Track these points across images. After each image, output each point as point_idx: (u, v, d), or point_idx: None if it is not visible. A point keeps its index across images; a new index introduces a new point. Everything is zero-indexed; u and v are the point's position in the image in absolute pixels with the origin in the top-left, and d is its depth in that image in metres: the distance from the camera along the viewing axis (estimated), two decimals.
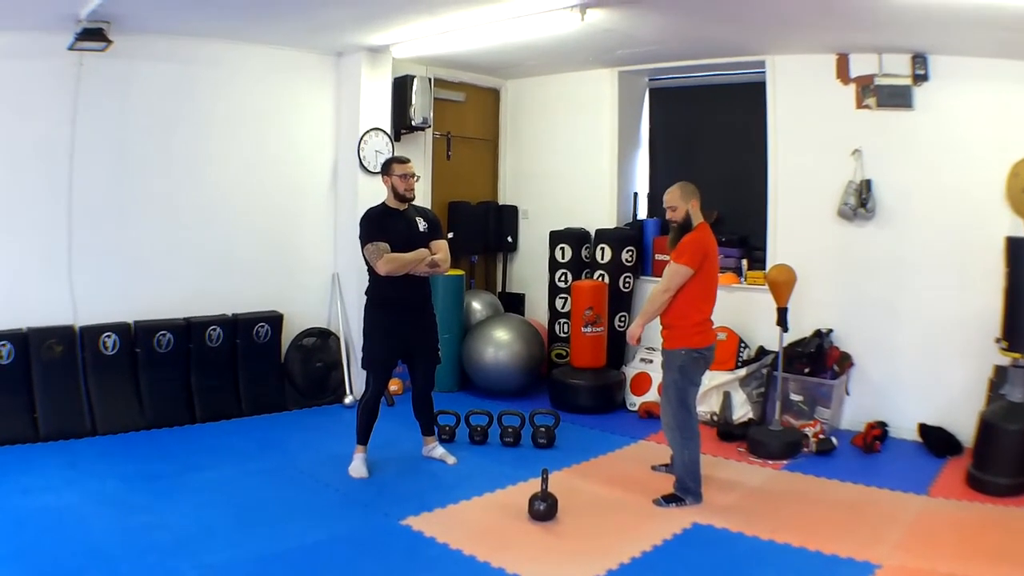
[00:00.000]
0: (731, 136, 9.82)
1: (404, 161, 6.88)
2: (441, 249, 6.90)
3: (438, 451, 7.32)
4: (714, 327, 6.50)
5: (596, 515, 6.15)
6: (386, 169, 6.88)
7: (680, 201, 6.46)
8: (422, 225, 6.91)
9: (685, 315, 6.30)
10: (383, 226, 6.72)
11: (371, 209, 6.91)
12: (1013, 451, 6.58)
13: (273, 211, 9.11)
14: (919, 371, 8.08)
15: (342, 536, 5.63)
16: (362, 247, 6.72)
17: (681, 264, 6.25)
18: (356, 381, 9.08)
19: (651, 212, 10.51)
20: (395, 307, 6.84)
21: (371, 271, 6.77)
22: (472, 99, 11.10)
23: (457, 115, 10.90)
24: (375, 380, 6.94)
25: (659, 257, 9.70)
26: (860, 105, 8.27)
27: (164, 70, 8.27)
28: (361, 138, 9.18)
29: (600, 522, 6.02)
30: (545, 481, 5.96)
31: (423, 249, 6.77)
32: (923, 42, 7.60)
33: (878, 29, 7.31)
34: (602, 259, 9.80)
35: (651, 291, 6.49)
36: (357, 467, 6.88)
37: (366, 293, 6.96)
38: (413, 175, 6.86)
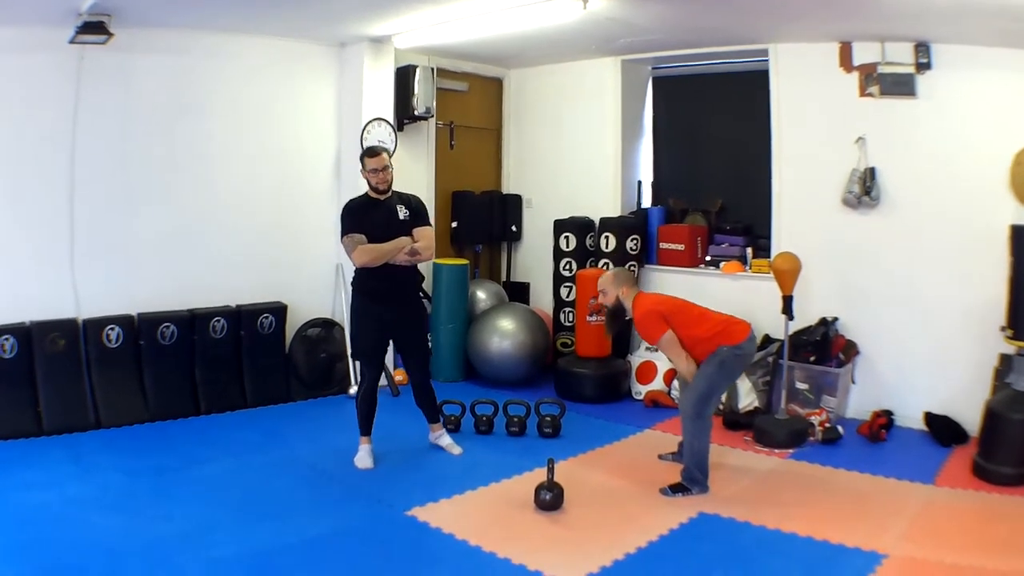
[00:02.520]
0: (734, 124, 9.79)
1: (376, 153, 6.74)
2: (423, 236, 6.79)
3: (444, 440, 7.31)
4: (737, 319, 6.56)
5: (602, 505, 6.15)
6: (360, 163, 6.79)
7: (611, 287, 6.65)
8: (402, 213, 6.78)
9: (705, 341, 6.35)
10: (360, 217, 6.66)
11: (351, 200, 6.87)
12: (1019, 440, 6.55)
13: (276, 202, 9.11)
14: (925, 360, 8.07)
15: (348, 528, 5.63)
16: (341, 239, 6.70)
17: (658, 339, 6.41)
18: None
19: (655, 200, 10.52)
20: (379, 298, 6.77)
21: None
22: (475, 88, 11.08)
23: (460, 105, 10.87)
24: (367, 371, 6.95)
25: (663, 245, 9.72)
26: (863, 93, 8.24)
27: (165, 63, 8.27)
28: (364, 128, 9.17)
29: (606, 512, 6.02)
30: (551, 471, 5.96)
31: (403, 238, 6.67)
32: (926, 30, 7.57)
33: (881, 18, 7.28)
34: (607, 248, 9.79)
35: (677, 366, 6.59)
36: (362, 458, 6.89)
37: (351, 284, 6.95)
38: (385, 168, 6.71)
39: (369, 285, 6.76)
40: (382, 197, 6.75)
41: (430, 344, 7.19)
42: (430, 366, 7.24)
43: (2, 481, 6.25)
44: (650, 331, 6.42)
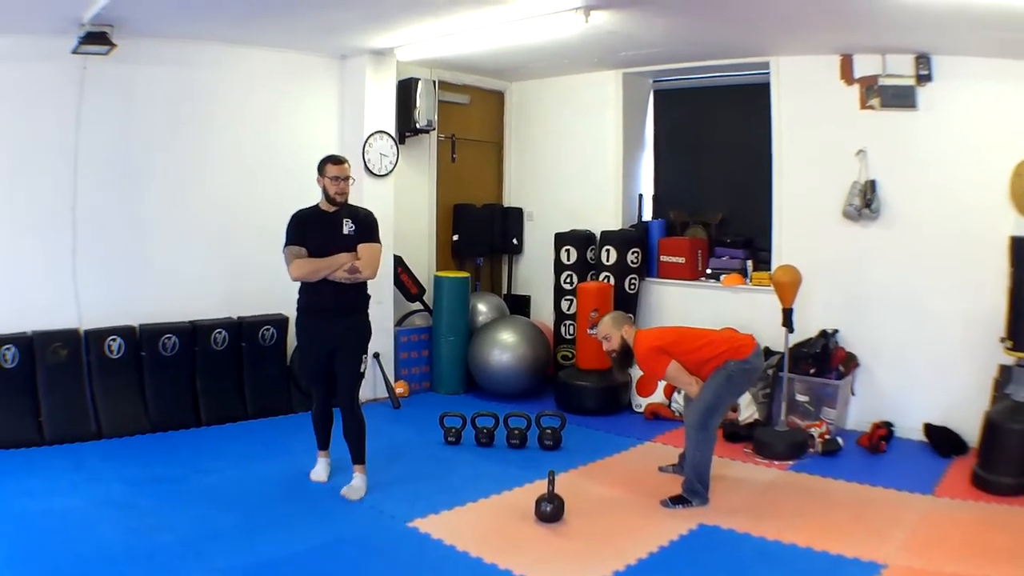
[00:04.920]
0: (735, 137, 9.82)
1: (339, 161, 6.44)
2: (366, 253, 6.41)
3: (353, 483, 6.58)
4: (742, 335, 6.59)
5: (603, 516, 6.16)
6: (319, 169, 6.43)
7: (613, 330, 6.68)
8: (347, 227, 6.44)
9: (711, 361, 6.38)
10: (301, 229, 6.45)
11: (300, 210, 6.61)
12: (1018, 450, 6.57)
13: (278, 213, 8.98)
14: (924, 371, 8.08)
15: (349, 539, 5.65)
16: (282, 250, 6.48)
17: (664, 373, 6.47)
18: (362, 384, 9.04)
19: (656, 213, 10.53)
20: (317, 314, 6.53)
21: None
22: (477, 101, 11.11)
23: (462, 117, 10.91)
24: (314, 391, 6.80)
25: (664, 259, 9.76)
26: (864, 105, 8.26)
27: (168, 73, 8.30)
28: (366, 141, 9.19)
29: (607, 523, 6.03)
30: (552, 483, 5.97)
31: (342, 254, 6.34)
32: (927, 42, 7.60)
33: (882, 30, 7.31)
34: (607, 261, 9.81)
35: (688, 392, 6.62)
36: (317, 471, 6.85)
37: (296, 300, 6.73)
38: (347, 177, 6.44)
39: (307, 301, 6.56)
40: (332, 209, 6.48)
41: (364, 366, 6.70)
42: (357, 394, 6.72)
43: (3, 490, 6.26)
44: (654, 367, 6.48)
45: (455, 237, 10.75)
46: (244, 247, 8.89)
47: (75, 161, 7.79)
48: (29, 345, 7.47)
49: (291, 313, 8.66)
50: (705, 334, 6.65)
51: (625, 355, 6.67)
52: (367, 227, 6.54)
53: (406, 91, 9.61)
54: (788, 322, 7.71)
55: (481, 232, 10.96)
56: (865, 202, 8.18)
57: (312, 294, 6.48)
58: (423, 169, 10.28)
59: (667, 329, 6.98)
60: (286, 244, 6.43)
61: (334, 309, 6.47)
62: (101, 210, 7.98)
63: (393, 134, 9.48)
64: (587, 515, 6.11)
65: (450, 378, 9.87)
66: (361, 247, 6.41)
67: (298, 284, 6.53)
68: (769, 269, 8.67)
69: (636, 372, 9.07)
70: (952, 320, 7.91)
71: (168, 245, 8.44)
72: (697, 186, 10.37)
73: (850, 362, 8.35)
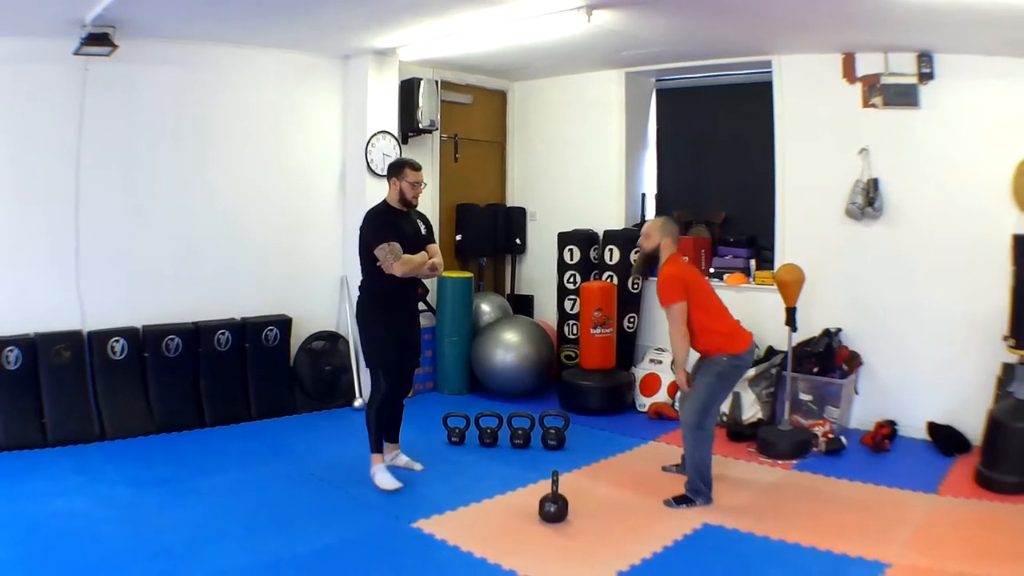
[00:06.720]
0: (738, 136, 9.82)
1: (418, 168, 6.72)
2: (437, 253, 6.83)
3: (402, 459, 7.16)
4: (743, 328, 6.54)
5: (607, 516, 6.14)
6: (397, 172, 6.68)
7: (657, 233, 6.56)
8: (423, 228, 6.87)
9: (711, 334, 6.35)
10: (392, 227, 6.57)
11: (376, 208, 6.76)
12: (1021, 449, 6.56)
13: (281, 214, 9.12)
14: (928, 369, 8.07)
15: (353, 540, 5.64)
16: (370, 246, 6.51)
17: (669, 305, 6.34)
18: (365, 384, 8.97)
19: (659, 212, 10.49)
20: (396, 306, 6.75)
21: (371, 270, 6.62)
22: (479, 101, 11.11)
23: (464, 117, 10.90)
24: (387, 379, 6.77)
25: None
26: (866, 104, 8.26)
27: (170, 74, 8.31)
28: (368, 141, 9.22)
29: (611, 523, 6.01)
30: (555, 483, 5.96)
31: (424, 252, 6.70)
32: (929, 41, 7.60)
33: (884, 28, 7.30)
34: (611, 260, 9.82)
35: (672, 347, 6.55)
36: (388, 479, 6.70)
37: (362, 289, 6.84)
38: (423, 183, 6.80)
39: (390, 293, 6.69)
40: (404, 210, 6.74)
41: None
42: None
43: (7, 492, 6.27)
44: (668, 293, 6.32)
45: (458, 237, 10.75)
46: (247, 247, 8.93)
47: (77, 163, 7.80)
48: (32, 347, 7.47)
49: (294, 314, 8.79)
50: (723, 307, 6.58)
51: (649, 262, 6.64)
52: (432, 229, 7.08)
53: (408, 91, 9.60)
54: (791, 321, 7.70)
55: (484, 232, 10.96)
56: (868, 200, 8.18)
57: (398, 288, 6.72)
58: (426, 169, 10.09)
59: (699, 273, 6.85)
60: (382, 239, 6.48)
61: (411, 302, 7.05)
62: (104, 211, 7.99)
63: (396, 134, 9.51)
64: (591, 515, 6.11)
65: (454, 378, 9.89)
66: (431, 247, 6.85)
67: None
68: (772, 268, 8.67)
69: (640, 372, 9.11)
70: (955, 318, 7.90)
71: (171, 246, 8.43)
72: (700, 185, 10.37)
73: (853, 361, 8.35)
